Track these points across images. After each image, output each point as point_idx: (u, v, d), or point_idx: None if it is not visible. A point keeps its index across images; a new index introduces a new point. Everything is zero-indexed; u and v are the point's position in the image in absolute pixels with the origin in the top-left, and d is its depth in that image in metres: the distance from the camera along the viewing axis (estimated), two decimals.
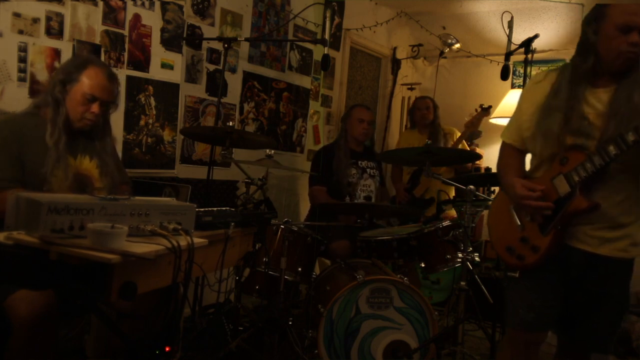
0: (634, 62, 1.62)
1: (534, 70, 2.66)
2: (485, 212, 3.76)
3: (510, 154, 1.92)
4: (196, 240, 1.54)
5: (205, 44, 3.29)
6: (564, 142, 1.70)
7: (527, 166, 1.94)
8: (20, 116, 1.99)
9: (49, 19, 2.49)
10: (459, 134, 4.16)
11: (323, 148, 3.56)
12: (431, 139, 3.96)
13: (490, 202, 2.75)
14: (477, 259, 2.44)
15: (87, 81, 1.96)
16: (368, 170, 3.46)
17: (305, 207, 4.03)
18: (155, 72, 3.01)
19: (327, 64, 2.79)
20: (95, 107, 1.98)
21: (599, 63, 1.68)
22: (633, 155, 1.61)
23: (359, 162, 3.45)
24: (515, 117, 1.91)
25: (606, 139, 1.61)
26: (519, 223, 1.83)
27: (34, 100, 2.04)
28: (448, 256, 2.65)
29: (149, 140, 3.03)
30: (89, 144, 2.08)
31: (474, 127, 3.91)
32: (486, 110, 3.85)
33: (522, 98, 1.91)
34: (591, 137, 1.67)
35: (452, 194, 3.77)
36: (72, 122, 1.98)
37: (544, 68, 4.30)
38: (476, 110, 3.93)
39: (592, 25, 1.68)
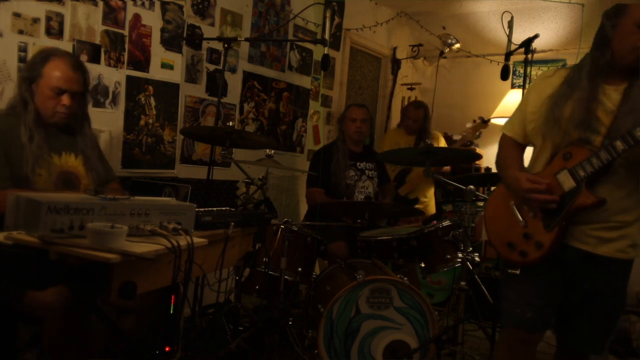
0: None
1: (534, 71, 2.67)
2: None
3: (512, 147, 1.91)
4: (196, 240, 1.54)
5: (205, 44, 3.29)
6: (570, 134, 1.70)
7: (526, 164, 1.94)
8: None
9: (49, 19, 2.49)
10: (442, 139, 4.14)
11: (321, 149, 3.50)
12: (419, 142, 3.95)
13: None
14: (477, 259, 2.44)
15: (51, 74, 1.92)
16: (367, 171, 3.41)
17: (305, 207, 4.02)
18: (155, 72, 3.01)
19: (327, 64, 2.79)
20: (65, 100, 1.94)
21: (612, 58, 1.68)
22: (639, 151, 1.61)
23: (358, 163, 3.39)
24: (520, 110, 1.90)
25: (616, 135, 1.61)
26: (520, 219, 1.80)
27: (10, 101, 2.00)
28: (448, 256, 2.65)
29: (149, 140, 3.02)
30: (72, 140, 2.05)
31: (471, 137, 3.86)
32: (485, 123, 3.82)
33: (530, 92, 1.90)
34: (596, 133, 1.67)
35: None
36: (45, 118, 1.94)
37: (544, 68, 4.32)
38: (474, 120, 3.90)
39: (611, 19, 1.68)
